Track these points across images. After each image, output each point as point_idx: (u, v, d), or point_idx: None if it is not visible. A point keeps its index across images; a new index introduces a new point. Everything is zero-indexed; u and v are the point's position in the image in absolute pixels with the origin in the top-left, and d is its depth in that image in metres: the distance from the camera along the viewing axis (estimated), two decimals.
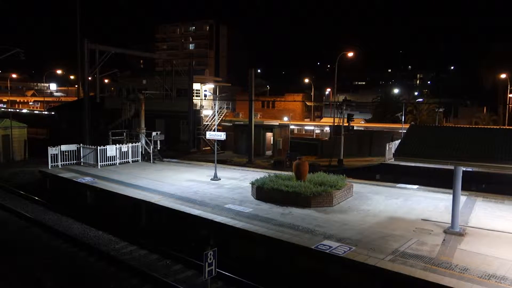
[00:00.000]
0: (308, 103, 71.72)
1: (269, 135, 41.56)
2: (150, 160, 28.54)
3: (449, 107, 65.56)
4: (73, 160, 26.64)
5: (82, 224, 17.97)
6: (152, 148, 28.77)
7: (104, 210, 19.63)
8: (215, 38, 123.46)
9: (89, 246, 14.97)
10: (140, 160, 28.60)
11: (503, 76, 53.10)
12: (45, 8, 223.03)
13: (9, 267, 13.22)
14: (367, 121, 64.78)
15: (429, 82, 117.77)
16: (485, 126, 42.29)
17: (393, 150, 26.64)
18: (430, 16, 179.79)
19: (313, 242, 12.20)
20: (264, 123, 45.91)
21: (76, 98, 73.19)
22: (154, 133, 29.20)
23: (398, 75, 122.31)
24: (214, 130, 23.37)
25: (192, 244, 14.63)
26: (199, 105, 44.98)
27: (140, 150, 28.79)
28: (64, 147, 26.23)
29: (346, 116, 35.69)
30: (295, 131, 59.31)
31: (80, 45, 34.24)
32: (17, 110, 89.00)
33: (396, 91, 78.37)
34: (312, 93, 72.76)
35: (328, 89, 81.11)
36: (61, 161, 25.90)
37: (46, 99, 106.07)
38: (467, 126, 27.02)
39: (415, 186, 20.53)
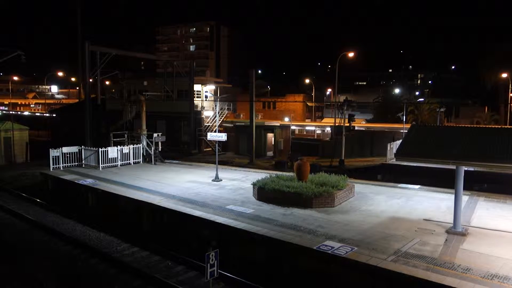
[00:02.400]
0: (309, 104, 71.68)
1: (270, 135, 41.58)
2: (152, 162, 28.54)
3: (450, 107, 65.45)
4: (74, 162, 26.65)
5: (83, 226, 17.97)
6: (153, 150, 28.77)
7: (105, 211, 19.63)
8: (215, 39, 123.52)
9: (90, 248, 14.98)
10: (141, 162, 28.61)
11: (504, 75, 53.02)
12: (45, 10, 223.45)
13: (10, 269, 13.24)
14: (368, 121, 64.72)
15: (430, 82, 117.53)
16: (487, 126, 42.27)
17: (394, 150, 26.57)
18: (430, 16, 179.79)
19: (315, 242, 12.18)
20: (265, 124, 45.90)
21: (77, 100, 73.27)
22: (155, 135, 29.21)
23: (398, 75, 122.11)
24: (215, 131, 23.34)
25: (194, 245, 14.62)
26: (200, 106, 45.03)
27: (141, 152, 28.80)
28: (65, 149, 26.24)
29: (347, 116, 35.68)
30: (296, 132, 59.27)
31: (81, 47, 34.31)
32: (19, 113, 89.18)
33: (397, 91, 78.33)
34: (313, 94, 72.73)
35: (329, 90, 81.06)
36: (62, 163, 25.92)
37: (48, 101, 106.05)
38: (469, 125, 26.94)
39: (417, 186, 20.49)
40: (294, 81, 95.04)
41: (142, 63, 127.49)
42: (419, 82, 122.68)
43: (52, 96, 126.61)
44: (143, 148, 28.94)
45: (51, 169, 25.28)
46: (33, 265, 13.54)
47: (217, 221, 14.48)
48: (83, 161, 26.85)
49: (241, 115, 62.23)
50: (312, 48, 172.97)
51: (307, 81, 77.38)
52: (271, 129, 42.33)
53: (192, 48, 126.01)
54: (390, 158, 30.77)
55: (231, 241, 13.88)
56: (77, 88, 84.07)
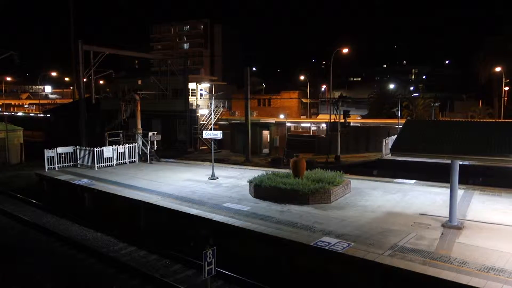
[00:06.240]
0: (304, 100, 71.73)
1: (265, 133, 41.58)
2: (147, 161, 28.48)
3: (445, 101, 65.75)
4: (69, 162, 26.54)
5: (80, 226, 17.94)
6: (149, 149, 28.70)
7: (102, 211, 19.58)
8: (209, 37, 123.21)
9: (88, 248, 14.95)
10: (137, 161, 28.53)
11: (498, 69, 53.26)
12: (37, 9, 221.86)
13: (9, 270, 13.20)
14: (363, 117, 64.88)
15: (424, 77, 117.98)
16: (481, 120, 42.47)
17: (389, 146, 26.63)
18: (424, 10, 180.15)
19: (312, 239, 12.22)
20: (261, 121, 45.91)
21: (71, 100, 72.91)
22: (150, 134, 29.13)
23: (393, 70, 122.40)
24: (210, 129, 23.32)
25: (191, 243, 14.62)
26: (195, 104, 44.93)
27: (137, 151, 28.72)
28: (60, 149, 26.10)
29: (342, 112, 35.76)
30: (292, 129, 59.30)
31: (74, 46, 34.11)
32: (12, 113, 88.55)
33: (391, 86, 78.49)
34: (308, 90, 72.77)
35: (324, 86, 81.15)
36: (57, 164, 25.79)
37: (41, 101, 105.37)
38: (463, 120, 27.13)
39: (413, 181, 20.58)
40: (289, 78, 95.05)
41: (136, 62, 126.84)
42: (413, 77, 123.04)
43: (46, 96, 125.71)
44: (138, 147, 28.85)
45: (46, 170, 25.14)
46: (32, 266, 13.50)
47: (214, 219, 14.49)
48: (79, 161, 26.74)
49: (236, 113, 62.21)
50: (306, 45, 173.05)
51: (302, 77, 77.40)
52: (267, 126, 42.32)
53: (186, 46, 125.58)
54: (386, 153, 30.85)
55: (229, 239, 13.89)
56: (71, 88, 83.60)
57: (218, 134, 22.58)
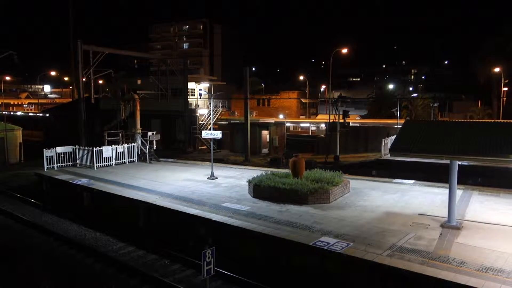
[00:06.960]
0: (303, 100, 71.76)
1: (265, 133, 41.62)
2: (147, 160, 28.47)
3: (444, 102, 65.75)
4: (69, 162, 26.51)
5: (79, 226, 17.95)
6: (148, 148, 28.69)
7: (101, 211, 19.58)
8: (209, 37, 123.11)
9: (87, 247, 14.96)
10: (136, 161, 28.53)
11: (497, 69, 53.27)
12: (36, 9, 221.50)
13: (8, 270, 13.20)
14: (362, 117, 64.97)
15: (423, 77, 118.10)
16: (480, 120, 42.52)
17: (389, 146, 26.66)
18: (424, 10, 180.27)
19: (311, 239, 12.23)
20: (260, 121, 45.94)
21: (70, 100, 72.88)
22: (150, 133, 29.12)
23: (392, 70, 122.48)
24: (210, 129, 23.32)
25: (190, 243, 14.64)
26: (194, 104, 44.94)
27: (136, 151, 28.72)
28: (59, 149, 26.09)
29: (341, 112, 35.78)
30: (291, 129, 59.38)
31: (73, 46, 34.14)
32: (12, 113, 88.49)
33: (390, 86, 78.56)
34: (307, 90, 72.79)
35: (323, 86, 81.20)
36: (57, 163, 25.77)
37: (41, 101, 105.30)
38: (462, 120, 27.17)
39: (411, 181, 20.60)
40: (289, 78, 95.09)
41: (135, 61, 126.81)
42: (412, 77, 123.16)
43: (45, 96, 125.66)
44: (138, 147, 28.85)
45: (45, 169, 25.13)
46: (32, 266, 13.50)
47: (213, 219, 14.50)
48: (78, 161, 26.72)
49: (236, 113, 62.29)
50: (306, 45, 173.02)
51: (301, 77, 77.43)
52: (266, 126, 42.35)
53: (185, 46, 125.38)
54: (385, 153, 30.85)
55: (228, 238, 13.90)
56: (70, 87, 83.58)
57: (218, 134, 22.57)
